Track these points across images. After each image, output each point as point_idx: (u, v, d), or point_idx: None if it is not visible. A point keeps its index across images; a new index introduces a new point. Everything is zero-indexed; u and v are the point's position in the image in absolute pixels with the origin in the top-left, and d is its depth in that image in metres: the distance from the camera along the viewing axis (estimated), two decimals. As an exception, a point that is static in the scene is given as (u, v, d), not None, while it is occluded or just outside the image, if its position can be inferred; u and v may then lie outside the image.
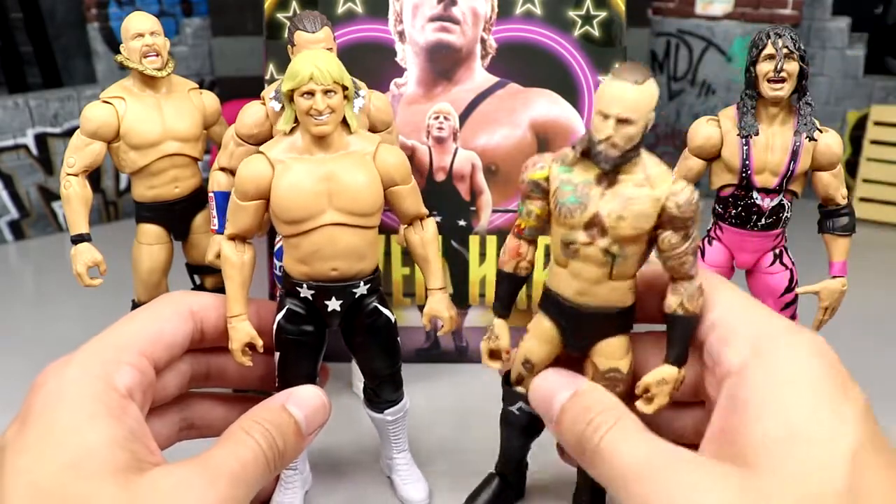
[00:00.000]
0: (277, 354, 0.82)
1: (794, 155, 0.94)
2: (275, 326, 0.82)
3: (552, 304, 0.73)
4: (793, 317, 1.03)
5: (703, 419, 0.64)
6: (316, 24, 0.90)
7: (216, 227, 1.00)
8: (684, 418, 0.71)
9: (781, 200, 0.96)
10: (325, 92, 0.76)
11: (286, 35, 0.94)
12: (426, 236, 0.87)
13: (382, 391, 0.90)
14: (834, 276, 0.99)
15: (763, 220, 0.97)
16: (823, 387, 0.55)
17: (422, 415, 1.07)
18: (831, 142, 0.94)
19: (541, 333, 0.75)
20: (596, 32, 1.15)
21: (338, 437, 1.05)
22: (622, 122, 0.64)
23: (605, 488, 0.61)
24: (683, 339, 0.67)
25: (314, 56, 0.77)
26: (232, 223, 0.81)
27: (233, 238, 0.82)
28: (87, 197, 1.00)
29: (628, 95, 0.63)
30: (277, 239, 1.03)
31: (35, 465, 0.52)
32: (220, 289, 1.10)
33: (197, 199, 1.06)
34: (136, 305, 1.09)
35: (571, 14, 1.15)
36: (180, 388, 0.73)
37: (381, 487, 0.97)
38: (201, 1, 1.90)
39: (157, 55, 0.99)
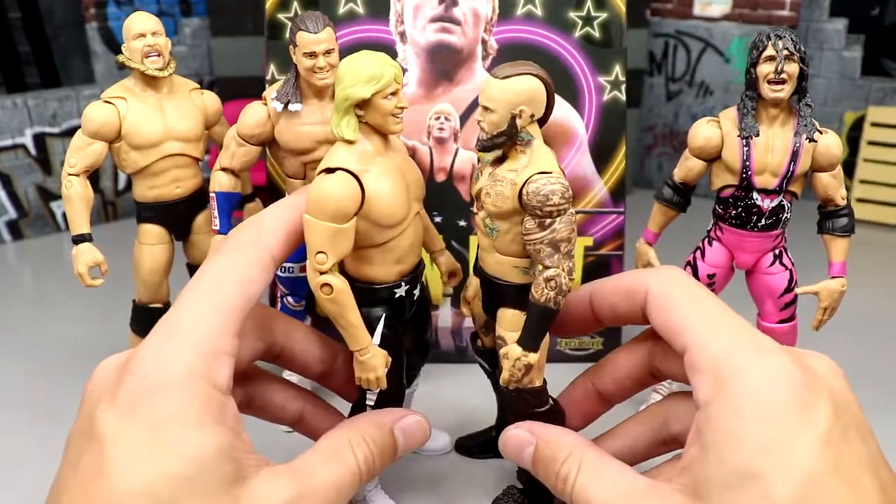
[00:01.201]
0: (391, 361, 0.80)
1: (794, 156, 0.94)
2: (377, 341, 0.79)
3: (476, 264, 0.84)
4: (792, 317, 1.04)
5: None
6: (318, 25, 0.90)
7: (217, 228, 1.00)
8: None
9: (781, 201, 0.97)
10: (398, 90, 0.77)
11: (288, 35, 0.94)
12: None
13: (417, 363, 0.93)
14: (833, 277, 1.00)
15: (763, 221, 0.98)
16: (780, 419, 0.54)
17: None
18: (831, 143, 0.95)
19: (476, 292, 0.86)
20: (596, 33, 1.15)
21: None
22: (486, 109, 0.74)
23: None
24: (529, 323, 0.75)
25: (380, 58, 0.75)
26: (335, 253, 0.74)
27: (336, 264, 0.75)
28: (88, 197, 1.00)
29: (491, 88, 0.73)
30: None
31: (150, 472, 0.51)
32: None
33: (198, 199, 1.06)
34: (136, 306, 1.08)
35: (572, 15, 1.15)
36: (250, 360, 0.74)
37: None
38: (200, 1, 1.89)
39: (159, 55, 0.99)
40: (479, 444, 1.00)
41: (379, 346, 0.79)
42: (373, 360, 0.77)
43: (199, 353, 0.58)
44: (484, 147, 0.75)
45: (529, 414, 0.79)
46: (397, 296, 0.81)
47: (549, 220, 0.72)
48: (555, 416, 0.81)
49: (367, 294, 0.80)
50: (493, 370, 0.89)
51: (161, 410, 0.54)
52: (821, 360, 0.60)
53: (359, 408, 0.84)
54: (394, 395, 0.83)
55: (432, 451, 1.01)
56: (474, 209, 0.80)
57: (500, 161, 0.77)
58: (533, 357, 0.75)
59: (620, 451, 0.75)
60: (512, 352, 0.76)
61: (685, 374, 0.65)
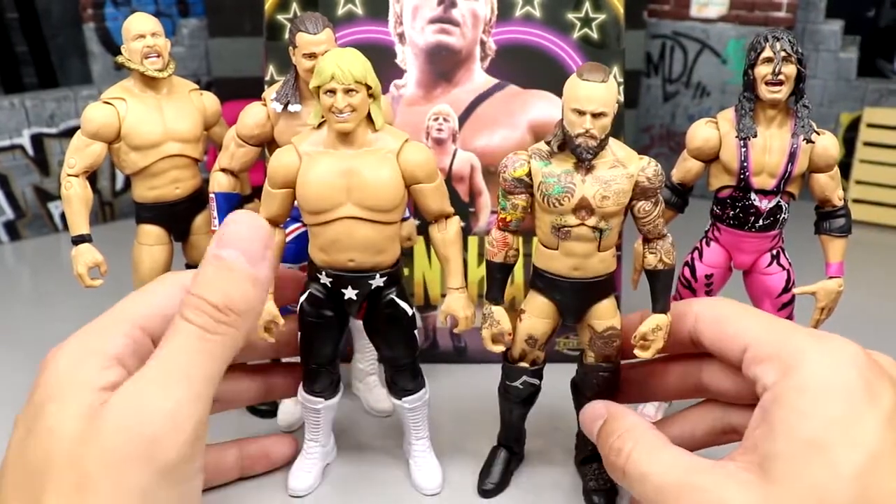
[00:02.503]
0: (299, 334, 0.88)
1: (792, 157, 0.94)
2: (298, 308, 0.88)
3: (547, 283, 0.84)
4: (789, 317, 1.04)
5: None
6: (318, 26, 0.90)
7: (216, 228, 1.00)
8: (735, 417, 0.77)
9: (779, 202, 0.97)
10: (347, 91, 0.79)
11: (287, 36, 0.95)
12: (448, 236, 0.89)
13: (399, 379, 0.93)
14: (831, 277, 1.00)
15: (761, 222, 0.98)
16: (846, 396, 0.57)
17: None
18: (828, 144, 0.95)
19: (539, 311, 0.85)
20: (595, 35, 1.15)
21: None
22: (597, 115, 0.75)
23: None
24: (665, 290, 0.82)
25: (339, 55, 0.80)
26: (264, 208, 0.86)
27: None
28: (87, 198, 1.00)
29: (599, 93, 0.75)
30: (278, 240, 1.04)
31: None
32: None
33: (197, 199, 1.06)
34: (136, 306, 1.08)
35: (570, 16, 1.15)
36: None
37: (398, 471, 0.99)
38: (198, 1, 1.89)
39: (158, 56, 0.99)
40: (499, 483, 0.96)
41: (298, 314, 0.88)
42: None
43: (94, 333, 0.64)
44: (596, 154, 0.77)
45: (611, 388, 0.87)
46: (322, 281, 0.86)
47: (659, 197, 0.80)
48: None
49: (308, 265, 0.89)
50: (539, 384, 0.92)
51: (44, 396, 0.62)
52: (878, 353, 0.64)
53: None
54: (313, 373, 0.90)
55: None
56: (574, 221, 0.79)
57: (584, 165, 0.78)
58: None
59: (679, 437, 0.78)
60: (662, 321, 0.81)
61: (734, 389, 0.70)
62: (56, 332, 1.31)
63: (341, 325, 0.90)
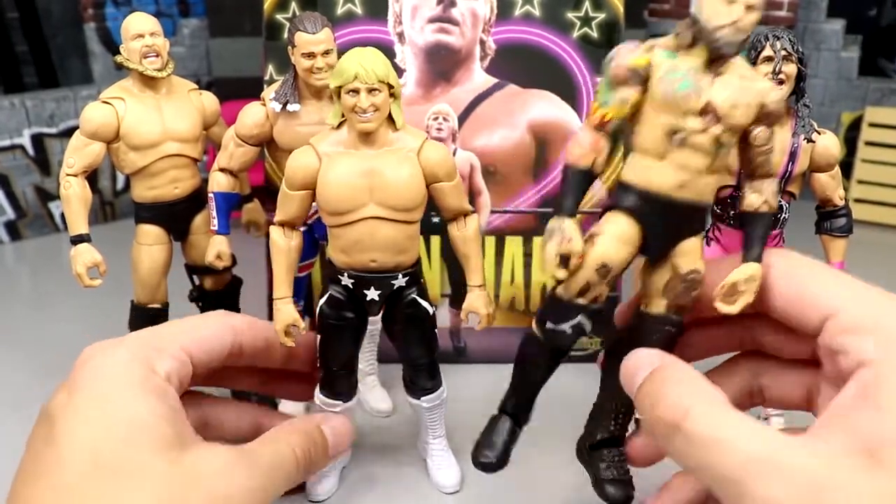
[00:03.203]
0: (319, 337, 0.87)
1: (793, 156, 0.94)
2: (317, 310, 0.87)
3: (641, 200, 0.70)
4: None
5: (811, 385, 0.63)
6: (316, 26, 0.90)
7: (216, 228, 1.00)
8: (788, 382, 0.67)
9: (779, 202, 0.97)
10: (370, 90, 0.78)
11: (286, 36, 0.94)
12: (468, 233, 0.89)
13: (418, 378, 0.93)
14: (831, 277, 1.00)
15: (761, 221, 0.98)
16: None
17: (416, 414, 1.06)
18: (829, 143, 0.95)
19: (622, 234, 0.70)
20: (594, 34, 1.15)
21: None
22: (750, 8, 0.65)
23: (704, 482, 0.54)
24: (764, 237, 0.70)
25: (360, 54, 0.79)
26: (281, 210, 0.85)
27: (281, 224, 0.86)
28: (86, 197, 0.99)
29: None
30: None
31: (94, 435, 0.55)
32: (219, 290, 1.11)
33: (196, 199, 1.06)
34: (135, 306, 1.08)
35: (570, 16, 1.15)
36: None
37: (412, 468, 0.99)
38: (198, 1, 1.89)
39: (157, 56, 0.98)
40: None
41: (317, 317, 0.87)
42: (277, 314, 0.84)
43: (143, 346, 0.64)
44: (739, 51, 0.67)
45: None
46: (343, 282, 0.86)
47: (774, 127, 0.70)
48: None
49: (328, 266, 0.87)
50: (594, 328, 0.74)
51: (102, 383, 0.59)
52: None
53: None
54: (332, 375, 0.89)
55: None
56: (697, 126, 0.67)
57: (715, 66, 0.67)
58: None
59: None
60: (757, 271, 0.67)
61: (796, 397, 0.63)
62: (56, 332, 1.33)
63: (361, 327, 0.89)
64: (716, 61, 0.67)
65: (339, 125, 0.84)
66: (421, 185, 0.83)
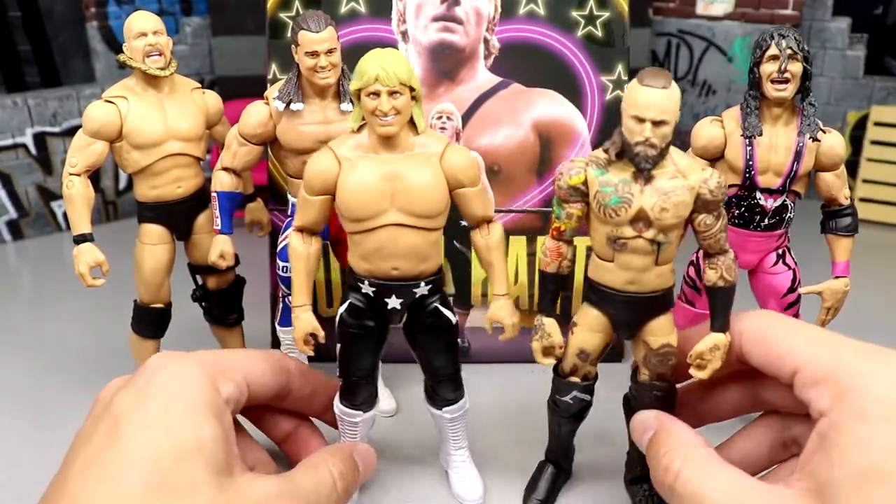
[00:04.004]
0: (339, 345, 0.85)
1: (798, 155, 0.94)
2: (337, 319, 0.85)
3: (601, 296, 0.81)
4: (796, 317, 1.03)
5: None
6: (320, 24, 0.90)
7: (219, 227, 1.00)
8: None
9: (785, 201, 0.96)
10: (391, 93, 0.75)
11: (289, 35, 0.94)
12: (491, 241, 0.86)
13: (441, 389, 0.90)
14: (837, 276, 0.99)
15: (766, 221, 0.97)
16: None
17: (421, 414, 1.06)
18: (834, 142, 0.95)
19: (592, 324, 0.82)
20: (599, 33, 1.15)
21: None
22: (658, 124, 0.71)
23: None
24: (725, 308, 0.77)
25: (381, 56, 0.76)
26: (300, 216, 0.84)
27: (300, 230, 0.84)
28: (89, 197, 0.99)
29: (660, 100, 0.70)
30: (281, 238, 1.03)
31: (158, 446, 0.57)
32: (222, 289, 1.11)
33: (199, 198, 1.06)
34: (138, 306, 1.08)
35: (574, 14, 1.14)
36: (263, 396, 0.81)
37: (436, 481, 0.97)
38: (201, 0, 1.89)
39: (160, 55, 0.98)
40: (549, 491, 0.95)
41: (337, 325, 0.85)
42: (296, 321, 0.84)
43: (211, 367, 0.67)
44: (655, 163, 0.73)
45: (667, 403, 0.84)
46: (364, 291, 0.83)
47: (721, 209, 0.76)
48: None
49: (348, 274, 0.86)
50: (590, 400, 0.88)
51: (172, 391, 0.61)
52: None
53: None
54: (352, 385, 0.88)
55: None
56: (630, 233, 0.75)
57: (643, 175, 0.74)
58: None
59: (742, 457, 0.76)
60: (720, 340, 0.77)
61: (793, 402, 0.66)
62: (58, 332, 1.33)
63: (382, 335, 0.86)
64: (644, 170, 0.74)
65: (359, 128, 0.81)
66: (444, 191, 0.80)
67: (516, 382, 1.16)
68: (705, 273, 0.79)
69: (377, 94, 0.75)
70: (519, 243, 1.20)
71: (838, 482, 0.54)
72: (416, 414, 1.03)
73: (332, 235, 1.03)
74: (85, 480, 0.55)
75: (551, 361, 0.85)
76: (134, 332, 1.09)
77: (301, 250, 0.84)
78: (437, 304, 0.85)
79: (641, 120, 0.71)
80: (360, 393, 0.88)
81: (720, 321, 0.77)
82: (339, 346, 0.86)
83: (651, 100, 0.70)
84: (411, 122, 0.80)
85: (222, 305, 1.12)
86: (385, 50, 0.78)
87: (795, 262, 1.02)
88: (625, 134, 0.73)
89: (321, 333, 0.84)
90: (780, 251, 1.01)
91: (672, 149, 0.75)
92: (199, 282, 1.12)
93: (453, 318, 0.86)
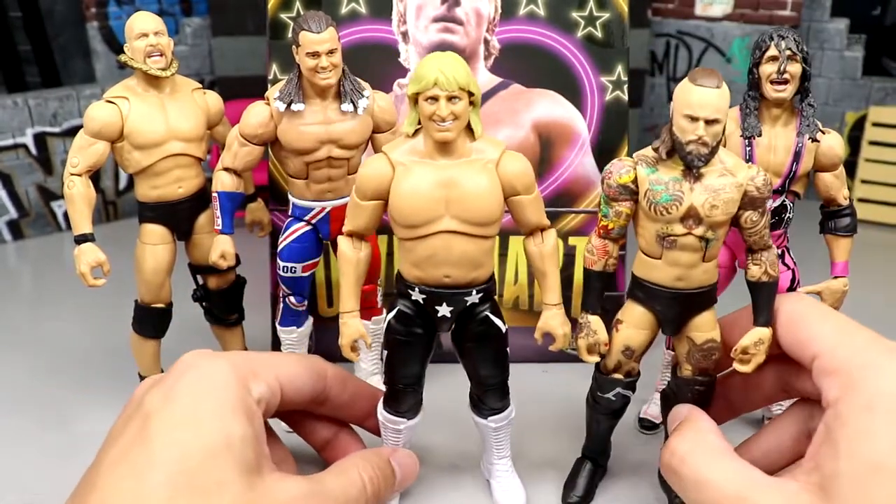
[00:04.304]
0: (386, 352, 0.85)
1: (797, 156, 0.94)
2: (384, 325, 0.84)
3: (647, 293, 0.83)
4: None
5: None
6: (321, 25, 0.90)
7: (220, 227, 1.00)
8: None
9: (784, 201, 0.97)
10: (450, 98, 0.74)
11: (290, 35, 0.94)
12: (545, 249, 0.84)
13: (488, 399, 0.88)
14: (836, 277, 0.99)
15: (765, 221, 0.98)
16: None
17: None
18: (833, 143, 0.95)
19: (637, 321, 0.84)
20: (599, 34, 1.15)
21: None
22: (710, 122, 0.73)
23: None
24: (769, 302, 0.79)
25: (440, 60, 0.75)
26: (350, 221, 0.83)
27: (350, 235, 0.84)
28: (90, 197, 0.99)
29: (712, 99, 0.73)
30: (281, 239, 1.03)
31: (186, 443, 0.58)
32: (222, 289, 1.11)
33: (200, 199, 1.06)
34: (139, 306, 1.08)
35: (574, 15, 1.15)
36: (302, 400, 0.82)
37: (477, 489, 0.96)
38: (201, 0, 1.89)
39: (162, 55, 0.98)
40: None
41: (385, 332, 0.84)
42: (343, 328, 0.83)
43: (243, 367, 0.68)
44: (707, 161, 0.76)
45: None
46: (413, 298, 0.82)
47: (764, 206, 0.79)
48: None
49: (397, 280, 0.85)
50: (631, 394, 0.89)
51: (201, 390, 0.62)
52: None
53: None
54: (398, 392, 0.86)
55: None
56: (681, 230, 0.77)
57: (693, 173, 0.76)
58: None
59: (769, 451, 0.77)
60: (765, 334, 0.79)
61: (815, 389, 0.66)
62: (58, 332, 1.33)
63: (430, 342, 0.85)
64: (694, 169, 0.76)
65: (415, 133, 0.79)
66: (499, 199, 0.79)
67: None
68: (749, 269, 0.81)
69: (435, 98, 0.74)
70: (518, 243, 1.20)
71: (843, 474, 0.54)
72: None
73: (332, 235, 1.03)
74: (113, 477, 0.56)
75: (596, 359, 0.86)
76: (135, 332, 1.09)
77: (351, 255, 0.83)
78: (487, 313, 0.83)
79: (694, 119, 0.73)
80: (405, 400, 0.87)
81: (765, 316, 0.79)
82: (385, 353, 0.85)
83: (703, 99, 0.73)
84: (468, 128, 0.79)
85: (223, 305, 1.12)
86: (444, 53, 0.77)
87: (794, 262, 1.02)
88: (676, 133, 0.75)
89: (368, 340, 0.83)
90: (779, 251, 1.01)
91: (720, 148, 0.77)
92: (200, 282, 1.12)
93: (503, 327, 0.85)
